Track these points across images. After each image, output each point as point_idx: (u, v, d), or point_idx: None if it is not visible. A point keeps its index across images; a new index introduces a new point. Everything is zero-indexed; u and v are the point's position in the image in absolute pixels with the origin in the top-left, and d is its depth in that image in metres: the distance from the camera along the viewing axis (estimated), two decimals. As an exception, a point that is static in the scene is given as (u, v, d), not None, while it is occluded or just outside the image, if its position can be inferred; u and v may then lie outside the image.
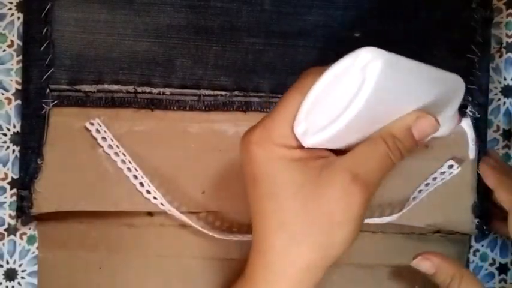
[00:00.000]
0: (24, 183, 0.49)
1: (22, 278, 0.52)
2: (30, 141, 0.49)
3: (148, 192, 0.49)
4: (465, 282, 0.45)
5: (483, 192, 0.52)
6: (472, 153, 0.52)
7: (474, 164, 0.52)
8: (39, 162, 0.49)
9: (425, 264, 0.47)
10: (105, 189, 0.49)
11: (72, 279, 0.51)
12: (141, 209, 0.50)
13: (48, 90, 0.49)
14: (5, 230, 0.52)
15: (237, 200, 0.47)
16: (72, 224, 0.51)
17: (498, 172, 0.50)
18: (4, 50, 0.51)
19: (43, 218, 0.51)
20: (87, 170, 0.49)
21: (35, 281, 0.52)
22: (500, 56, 0.54)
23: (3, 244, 0.52)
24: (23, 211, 0.49)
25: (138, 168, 0.48)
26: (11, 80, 0.51)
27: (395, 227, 0.51)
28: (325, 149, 0.37)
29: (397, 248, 0.53)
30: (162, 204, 0.48)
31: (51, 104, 0.49)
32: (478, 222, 0.51)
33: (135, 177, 0.48)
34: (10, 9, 0.51)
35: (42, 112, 0.49)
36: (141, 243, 0.50)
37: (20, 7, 0.51)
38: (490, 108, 0.54)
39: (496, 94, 0.54)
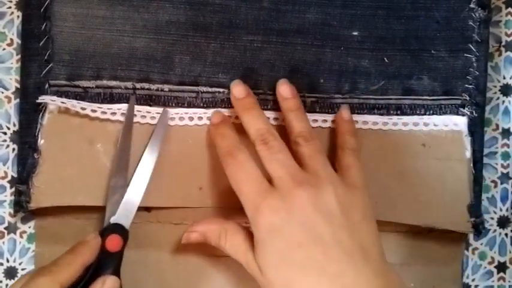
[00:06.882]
0: (22, 178, 0.49)
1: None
2: (28, 136, 0.49)
3: None
4: (230, 234, 0.46)
5: (479, 191, 0.52)
6: (468, 152, 0.52)
7: (470, 163, 0.52)
8: (35, 156, 0.49)
9: (192, 237, 0.48)
10: (102, 185, 0.49)
11: (68, 274, 0.51)
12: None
13: (47, 86, 0.49)
14: (5, 228, 0.52)
15: (234, 196, 0.46)
16: (69, 219, 0.51)
17: None
18: (4, 49, 0.52)
19: (40, 213, 0.51)
20: (85, 165, 0.49)
21: (34, 279, 0.52)
22: (500, 55, 0.54)
23: (3, 242, 0.52)
24: (21, 206, 0.49)
25: None
26: (11, 79, 0.52)
27: (391, 225, 0.51)
28: None
29: (393, 246, 0.52)
30: None
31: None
32: (473, 221, 0.51)
33: None
34: (10, 7, 0.52)
35: (40, 107, 0.49)
36: (137, 238, 0.50)
37: (19, 5, 0.52)
38: (489, 107, 0.54)
39: (495, 93, 0.54)
